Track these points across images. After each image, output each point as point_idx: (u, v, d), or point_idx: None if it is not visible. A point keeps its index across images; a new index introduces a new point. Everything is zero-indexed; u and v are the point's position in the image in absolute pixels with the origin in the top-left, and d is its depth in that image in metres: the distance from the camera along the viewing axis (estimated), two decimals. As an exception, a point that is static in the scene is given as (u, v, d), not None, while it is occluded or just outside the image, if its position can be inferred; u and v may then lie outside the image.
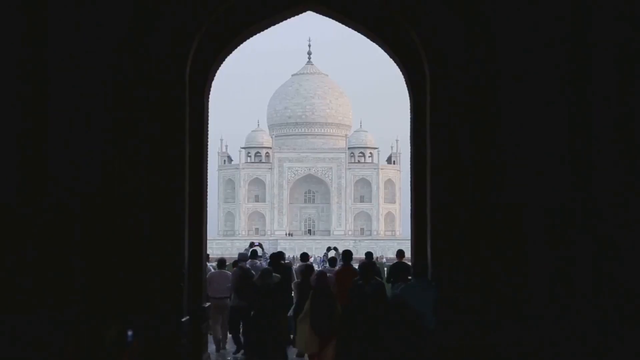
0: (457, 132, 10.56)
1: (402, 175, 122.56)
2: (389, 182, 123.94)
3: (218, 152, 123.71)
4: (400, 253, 18.11)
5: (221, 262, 16.57)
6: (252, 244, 21.61)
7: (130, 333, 5.87)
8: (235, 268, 16.22)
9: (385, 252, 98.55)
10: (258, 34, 13.54)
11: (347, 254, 15.64)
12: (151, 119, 10.58)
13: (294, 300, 14.67)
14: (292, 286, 15.24)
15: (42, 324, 9.91)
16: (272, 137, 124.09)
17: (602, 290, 10.15)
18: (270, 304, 12.06)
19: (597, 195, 10.29)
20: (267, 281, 12.73)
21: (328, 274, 13.42)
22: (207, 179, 12.97)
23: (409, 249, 13.37)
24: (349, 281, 13.23)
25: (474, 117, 10.52)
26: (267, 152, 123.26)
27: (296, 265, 21.10)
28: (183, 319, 10.72)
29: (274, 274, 13.52)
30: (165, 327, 10.29)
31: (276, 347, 11.88)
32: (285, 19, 13.45)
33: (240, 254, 17.13)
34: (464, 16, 10.61)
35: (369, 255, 18.97)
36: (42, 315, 9.93)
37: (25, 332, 9.87)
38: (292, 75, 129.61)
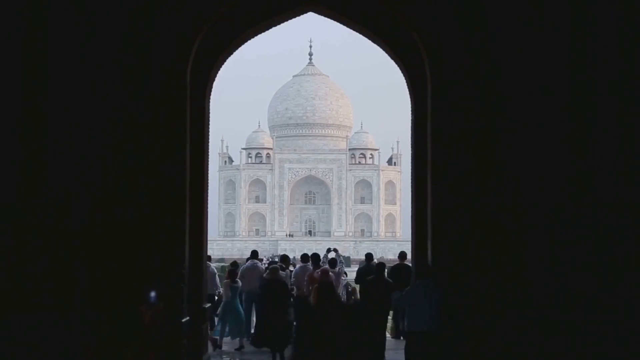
0: (457, 134, 10.55)
1: (402, 176, 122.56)
2: (390, 184, 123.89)
3: (219, 153, 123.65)
4: (402, 255, 18.08)
5: None
6: (329, 250, 21.86)
7: (153, 294, 5.87)
8: None
9: (386, 254, 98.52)
10: (259, 35, 13.56)
11: (316, 257, 16.83)
12: (152, 119, 10.58)
13: None
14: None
15: (42, 324, 9.90)
16: (272, 138, 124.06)
17: (602, 293, 10.15)
18: (272, 297, 13.71)
19: (599, 197, 10.28)
20: (274, 276, 14.24)
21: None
22: (207, 179, 12.97)
23: (410, 250, 13.37)
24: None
25: (474, 118, 10.52)
26: (267, 153, 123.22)
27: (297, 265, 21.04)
28: (183, 320, 10.72)
29: (280, 271, 14.99)
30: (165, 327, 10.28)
31: (279, 336, 13.41)
32: (287, 20, 13.47)
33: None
34: (465, 18, 10.61)
35: (369, 256, 18.97)
36: (43, 315, 9.93)
37: (25, 332, 9.87)
38: (293, 76, 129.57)
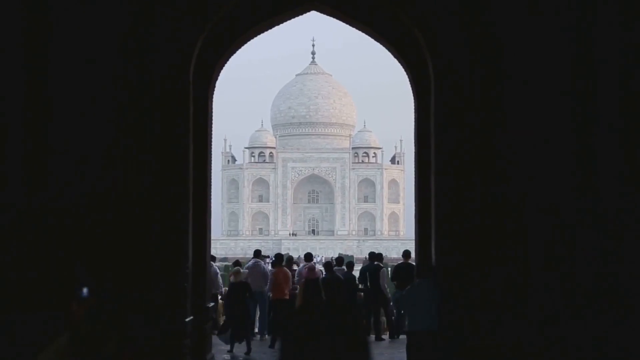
0: (461, 133, 10.54)
1: (406, 175, 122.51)
2: (393, 182, 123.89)
3: (222, 152, 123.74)
4: (406, 254, 18.06)
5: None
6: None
7: (85, 290, 5.88)
8: None
9: (389, 252, 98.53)
10: (262, 34, 13.56)
11: (279, 257, 17.62)
12: (155, 118, 10.58)
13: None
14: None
15: (42, 324, 9.90)
16: (275, 137, 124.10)
17: (604, 290, 10.13)
18: (236, 296, 15.70)
19: (601, 195, 10.27)
20: (237, 279, 16.08)
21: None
22: (210, 179, 12.96)
23: (413, 249, 13.37)
24: (283, 279, 16.29)
25: (477, 117, 10.50)
26: (270, 152, 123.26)
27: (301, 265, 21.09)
28: (187, 319, 10.72)
29: (241, 270, 16.89)
30: (169, 327, 10.29)
31: (243, 329, 15.37)
32: (289, 19, 13.45)
33: None
34: (468, 17, 10.59)
35: (372, 255, 18.94)
36: (43, 315, 9.93)
37: (25, 332, 9.87)
38: (296, 75, 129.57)
